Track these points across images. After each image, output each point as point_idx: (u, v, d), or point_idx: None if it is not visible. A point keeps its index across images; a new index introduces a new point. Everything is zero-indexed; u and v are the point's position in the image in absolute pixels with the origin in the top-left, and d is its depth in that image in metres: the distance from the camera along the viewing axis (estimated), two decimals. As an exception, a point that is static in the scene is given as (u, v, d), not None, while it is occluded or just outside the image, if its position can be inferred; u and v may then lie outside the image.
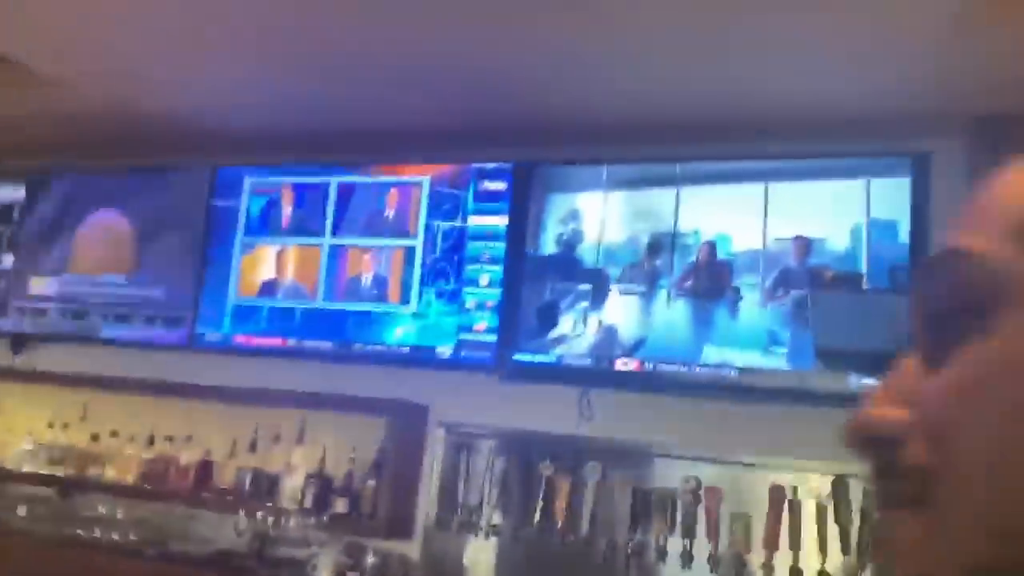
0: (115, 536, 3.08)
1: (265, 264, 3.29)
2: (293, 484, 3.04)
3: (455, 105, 2.90)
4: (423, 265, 3.02)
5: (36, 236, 3.72)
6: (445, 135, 3.08)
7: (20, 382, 3.60)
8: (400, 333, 3.00)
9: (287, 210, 3.29)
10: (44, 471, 3.42)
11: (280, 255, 3.27)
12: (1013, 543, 0.35)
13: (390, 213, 3.12)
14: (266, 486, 3.09)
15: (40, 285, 3.65)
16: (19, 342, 3.74)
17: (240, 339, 3.23)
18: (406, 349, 3.00)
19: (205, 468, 3.23)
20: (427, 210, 3.05)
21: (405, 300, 3.02)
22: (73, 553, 3.02)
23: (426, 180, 3.07)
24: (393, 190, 3.13)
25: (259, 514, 2.93)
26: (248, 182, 3.35)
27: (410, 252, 3.05)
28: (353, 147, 3.26)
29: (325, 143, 3.27)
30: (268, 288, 3.25)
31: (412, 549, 2.95)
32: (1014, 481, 0.35)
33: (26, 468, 3.42)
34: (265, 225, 3.32)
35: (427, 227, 3.04)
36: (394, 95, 2.87)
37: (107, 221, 3.57)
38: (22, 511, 3.22)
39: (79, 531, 3.12)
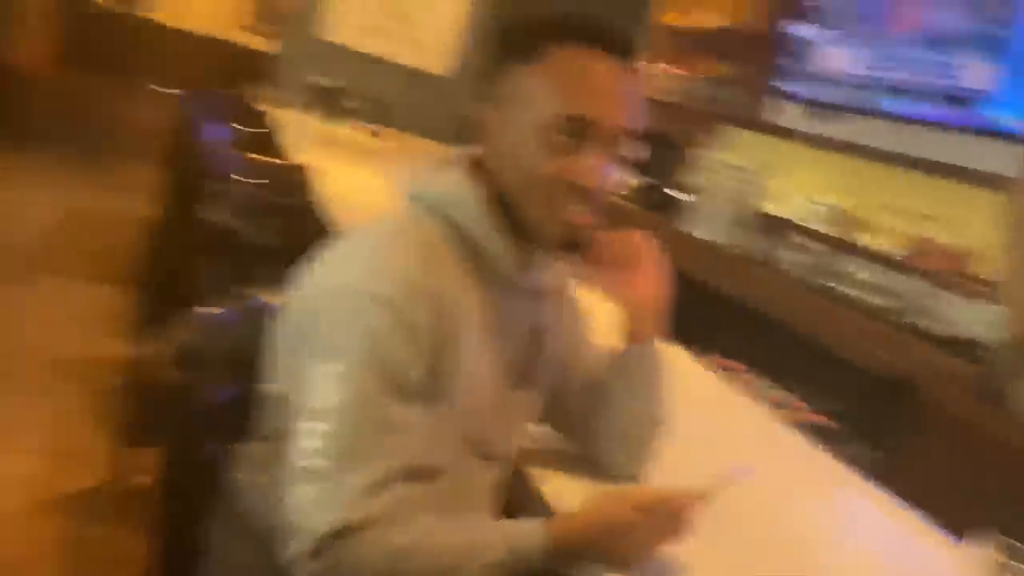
0: (864, 297, 3.31)
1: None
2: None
3: None
4: None
5: (851, 7, 3.91)
6: None
7: (811, 145, 3.97)
8: None
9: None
10: (817, 227, 3.80)
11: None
12: None
13: None
14: None
15: (838, 56, 3.87)
16: (815, 108, 4.08)
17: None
18: None
19: (964, 253, 3.18)
20: None
21: None
22: (824, 302, 3.37)
23: None
24: None
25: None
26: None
27: None
28: None
29: None
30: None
31: None
32: None
33: (803, 222, 3.85)
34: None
35: None
36: None
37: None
38: (793, 257, 3.67)
39: (834, 285, 3.44)
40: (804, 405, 2.23)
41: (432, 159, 1.15)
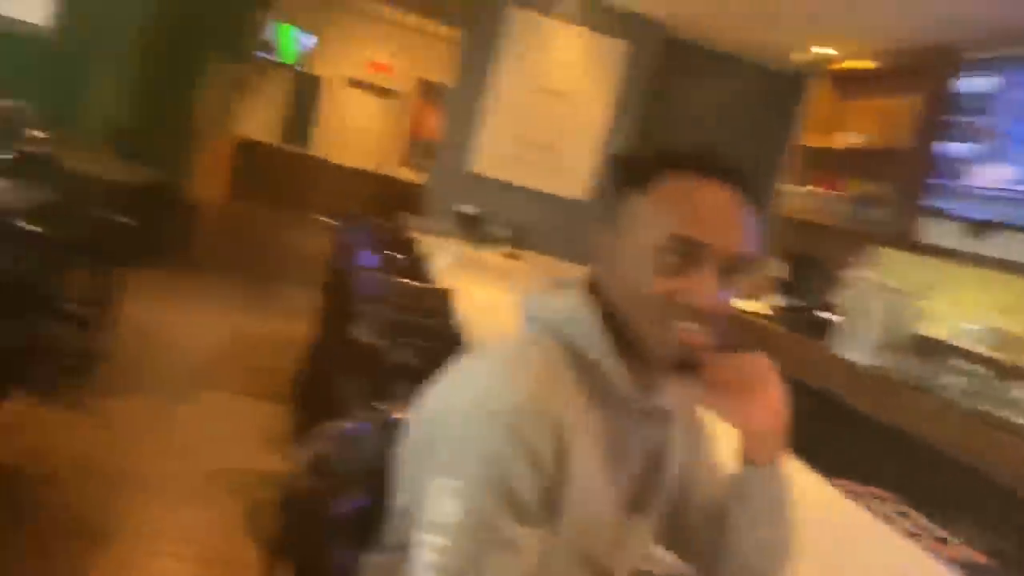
0: (1032, 424, 3.07)
1: None
2: None
3: None
4: None
5: (1001, 124, 3.79)
6: None
7: (975, 265, 3.80)
8: None
9: None
10: (983, 351, 3.58)
11: None
12: None
13: None
14: None
15: (1000, 173, 3.73)
16: (978, 227, 3.92)
17: None
18: None
19: None
20: None
21: None
22: (985, 429, 3.14)
23: None
24: None
25: None
26: None
27: None
28: None
29: None
30: None
31: None
32: None
33: (965, 345, 3.64)
34: None
35: None
36: None
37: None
38: (954, 381, 3.46)
39: (1004, 413, 3.20)
40: (955, 539, 2.06)
41: (549, 281, 1.20)
